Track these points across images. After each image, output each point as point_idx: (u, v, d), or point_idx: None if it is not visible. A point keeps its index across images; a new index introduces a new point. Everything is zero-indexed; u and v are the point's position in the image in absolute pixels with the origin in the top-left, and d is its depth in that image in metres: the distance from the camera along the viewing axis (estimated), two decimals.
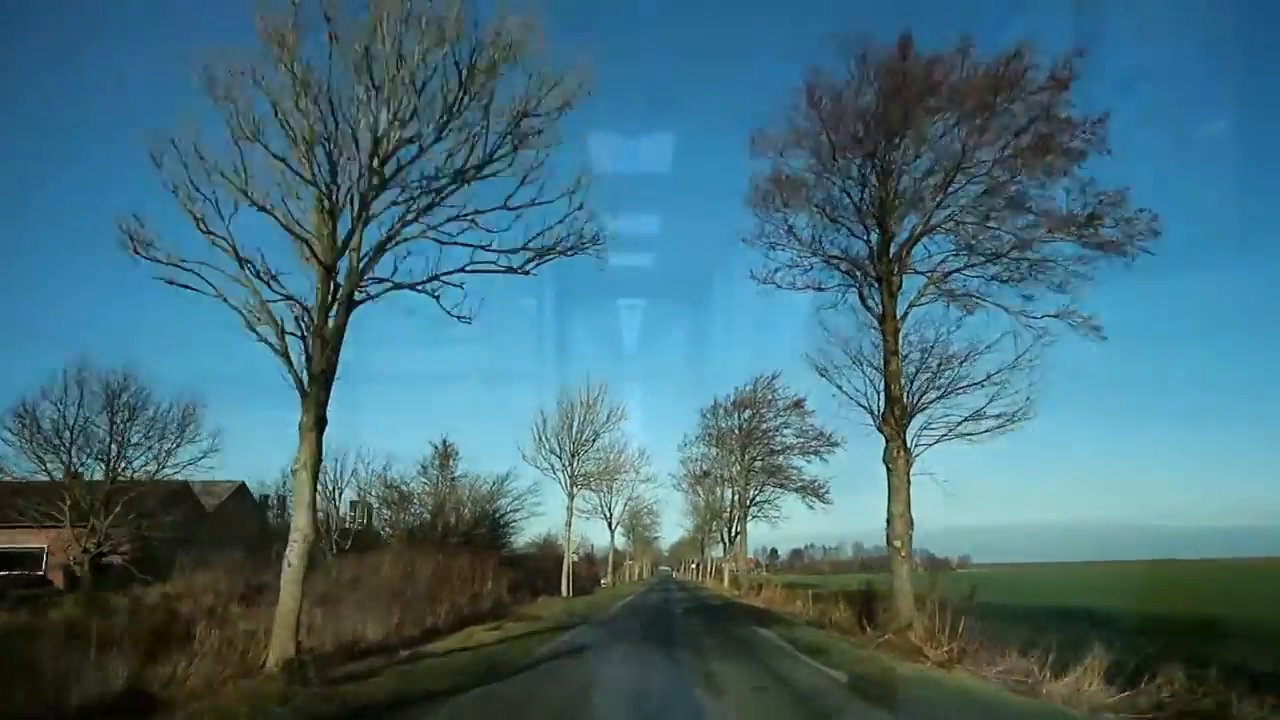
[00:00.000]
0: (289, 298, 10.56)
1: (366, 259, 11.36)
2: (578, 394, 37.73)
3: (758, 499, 41.09)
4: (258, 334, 10.71)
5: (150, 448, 28.92)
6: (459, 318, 11.67)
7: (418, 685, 10.59)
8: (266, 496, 38.86)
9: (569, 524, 38.33)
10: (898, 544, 15.80)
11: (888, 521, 16.03)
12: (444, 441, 37.55)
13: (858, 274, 17.05)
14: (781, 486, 39.64)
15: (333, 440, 36.27)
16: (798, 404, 36.83)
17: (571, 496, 37.84)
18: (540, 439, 37.04)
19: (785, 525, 41.32)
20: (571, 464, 37.43)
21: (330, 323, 11.12)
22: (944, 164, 15.47)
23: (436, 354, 37.35)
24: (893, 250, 16.60)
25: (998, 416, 15.74)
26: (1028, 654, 11.85)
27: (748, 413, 38.98)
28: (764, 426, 38.61)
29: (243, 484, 36.63)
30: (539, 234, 11.26)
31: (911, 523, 15.91)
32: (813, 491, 37.79)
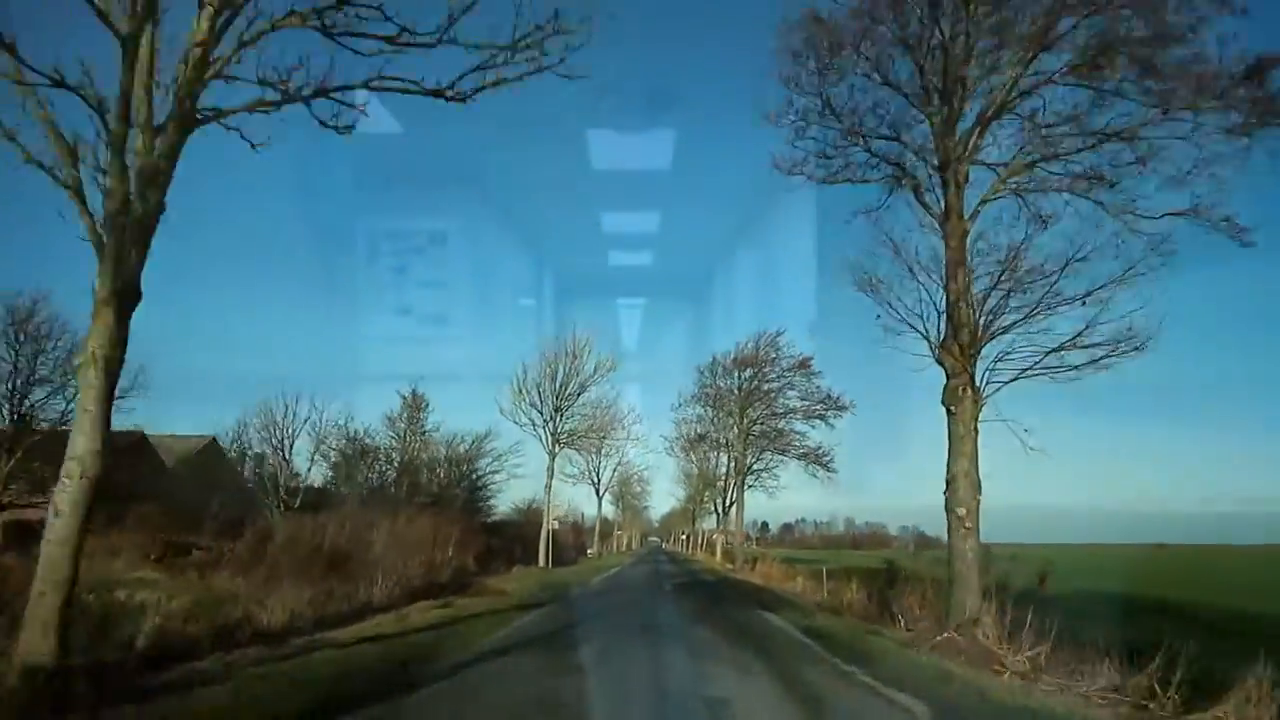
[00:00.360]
0: (60, 83, 6.52)
1: (213, 52, 7.36)
2: (562, 343, 33.61)
3: (755, 467, 37.23)
4: (22, 148, 6.73)
5: (60, 384, 24.66)
6: (337, 129, 7.66)
7: (268, 702, 6.79)
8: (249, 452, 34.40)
9: (549, 487, 34.31)
10: (961, 512, 11.93)
11: (947, 483, 12.16)
12: (413, 391, 33.47)
13: (914, 160, 13.15)
14: (783, 453, 35.76)
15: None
16: (803, 364, 33.34)
17: (553, 456, 33.81)
18: (519, 390, 32.90)
19: (780, 497, 37.98)
20: (554, 420, 33.40)
21: (156, 144, 7.16)
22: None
23: (434, 353, 34.09)
24: (959, 132, 12.65)
25: (1095, 346, 11.86)
26: (1133, 663, 8.56)
27: (748, 371, 34.96)
28: (766, 387, 34.78)
29: (214, 439, 32.22)
30: (468, 6, 7.17)
31: (979, 485, 12.10)
32: (816, 459, 34.13)
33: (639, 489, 62.67)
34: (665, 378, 61.29)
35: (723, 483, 43.00)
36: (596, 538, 55.63)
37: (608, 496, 54.92)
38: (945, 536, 12.28)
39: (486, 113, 17.24)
